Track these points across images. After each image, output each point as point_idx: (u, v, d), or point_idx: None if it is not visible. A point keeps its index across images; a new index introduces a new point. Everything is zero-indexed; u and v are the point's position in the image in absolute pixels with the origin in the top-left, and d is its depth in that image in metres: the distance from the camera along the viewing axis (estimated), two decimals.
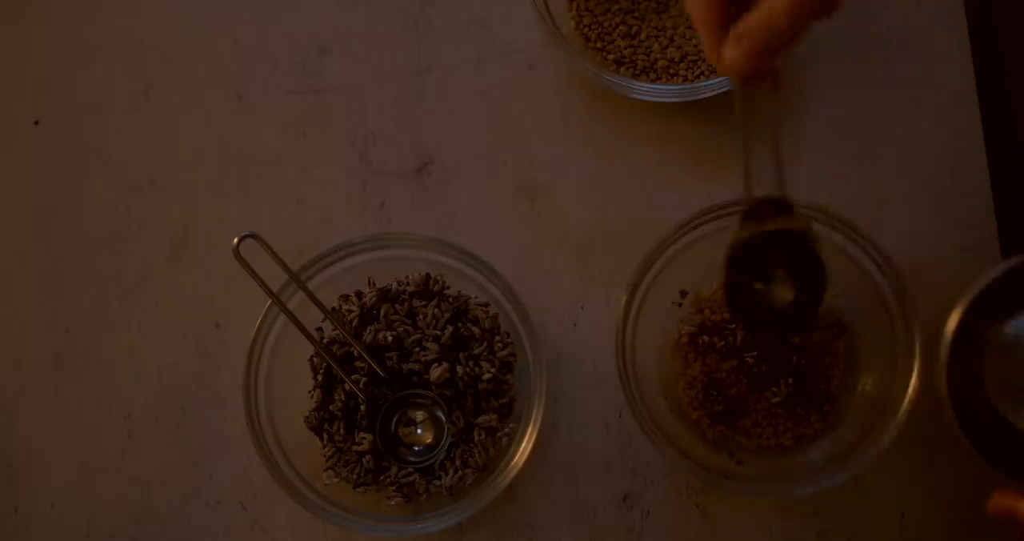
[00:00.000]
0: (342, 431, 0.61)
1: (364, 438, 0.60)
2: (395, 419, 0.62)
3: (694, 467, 0.57)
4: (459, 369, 0.59)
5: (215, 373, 0.66)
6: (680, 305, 0.63)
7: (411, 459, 0.62)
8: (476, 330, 0.61)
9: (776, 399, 0.60)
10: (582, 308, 0.65)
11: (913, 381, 0.56)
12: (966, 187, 0.64)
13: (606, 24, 0.67)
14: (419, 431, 0.62)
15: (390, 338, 0.60)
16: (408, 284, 0.62)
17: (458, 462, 0.60)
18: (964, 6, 0.66)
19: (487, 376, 0.59)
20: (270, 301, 0.58)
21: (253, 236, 0.55)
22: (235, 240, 0.55)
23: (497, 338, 0.61)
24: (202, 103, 0.70)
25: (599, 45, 0.66)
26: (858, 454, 0.56)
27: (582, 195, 0.66)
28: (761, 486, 0.59)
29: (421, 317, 0.61)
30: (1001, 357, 0.55)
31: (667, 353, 0.62)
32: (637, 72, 0.66)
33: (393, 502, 0.60)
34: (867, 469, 0.56)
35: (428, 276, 0.62)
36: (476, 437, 0.60)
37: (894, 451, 0.58)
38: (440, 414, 0.62)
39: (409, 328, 0.61)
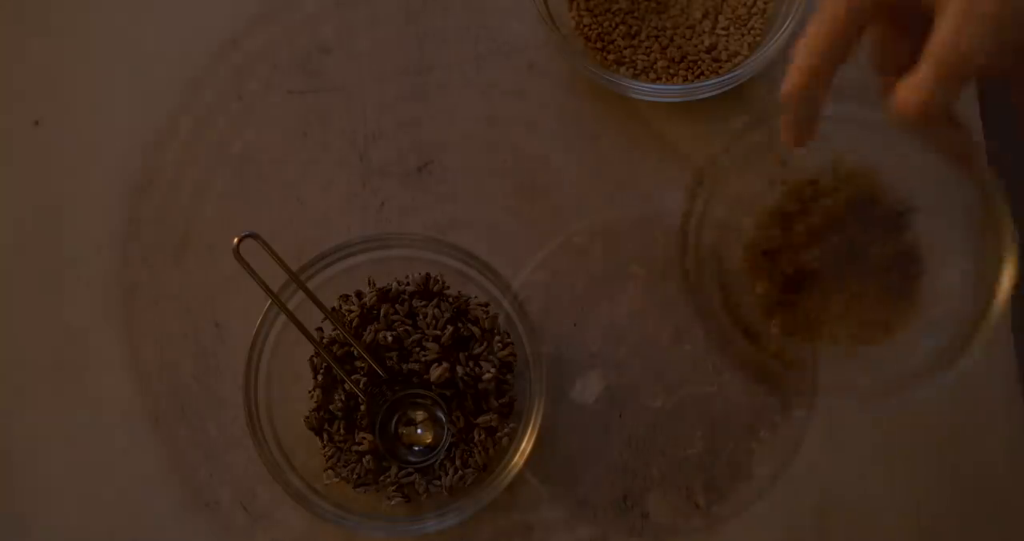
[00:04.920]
0: (342, 431, 0.61)
1: (364, 438, 0.60)
2: (395, 419, 0.62)
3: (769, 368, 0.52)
4: (459, 369, 0.59)
5: (215, 373, 0.66)
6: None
7: (411, 459, 0.62)
8: (476, 330, 0.61)
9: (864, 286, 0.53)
10: (582, 308, 0.65)
11: (1009, 270, 0.48)
12: None
13: (606, 24, 0.67)
14: (419, 431, 0.62)
15: (390, 338, 0.60)
16: (408, 284, 0.62)
17: (458, 462, 0.60)
18: None
19: (487, 376, 0.59)
20: (270, 301, 0.58)
21: (253, 236, 0.55)
22: (235, 240, 0.55)
23: (497, 338, 0.61)
24: (202, 103, 0.70)
25: (599, 45, 0.66)
26: (951, 359, 0.48)
27: (582, 195, 0.66)
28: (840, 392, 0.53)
29: (421, 317, 0.61)
30: None
31: (733, 263, 0.55)
32: (637, 72, 0.66)
33: (393, 502, 0.60)
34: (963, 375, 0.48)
35: (428, 276, 0.62)
36: (476, 437, 0.60)
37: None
38: (440, 414, 0.62)
39: (409, 328, 0.61)
